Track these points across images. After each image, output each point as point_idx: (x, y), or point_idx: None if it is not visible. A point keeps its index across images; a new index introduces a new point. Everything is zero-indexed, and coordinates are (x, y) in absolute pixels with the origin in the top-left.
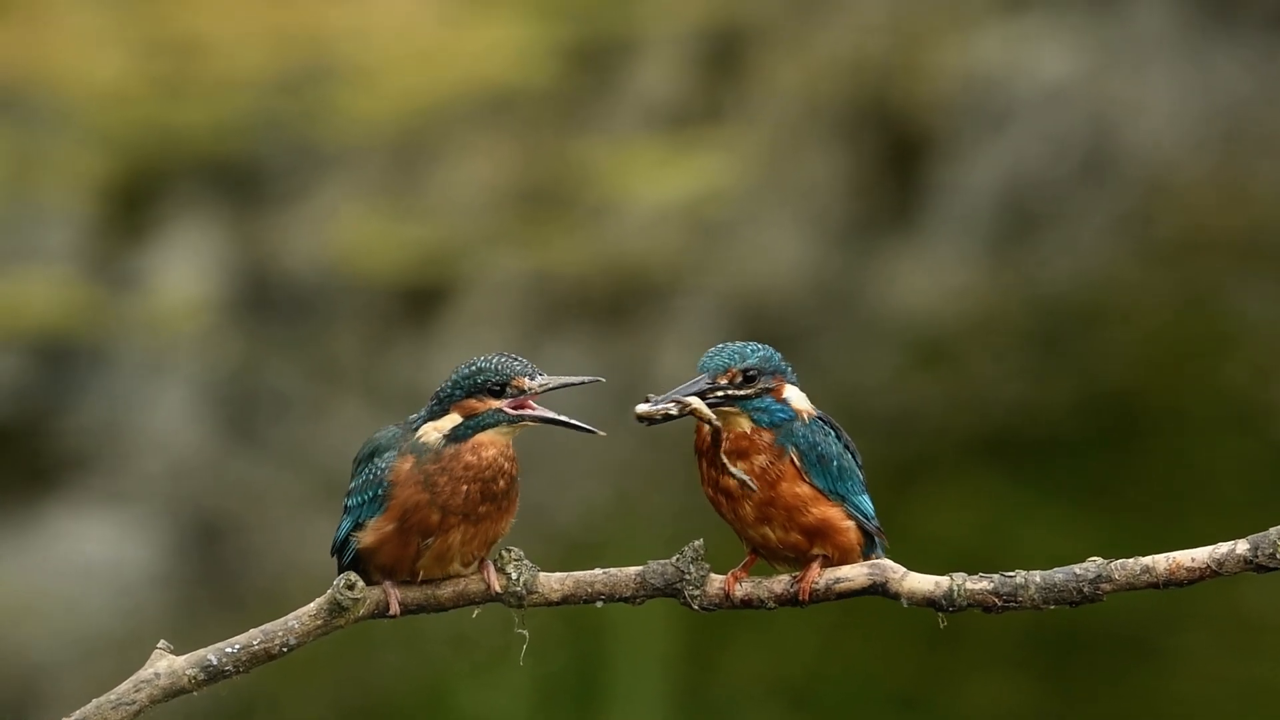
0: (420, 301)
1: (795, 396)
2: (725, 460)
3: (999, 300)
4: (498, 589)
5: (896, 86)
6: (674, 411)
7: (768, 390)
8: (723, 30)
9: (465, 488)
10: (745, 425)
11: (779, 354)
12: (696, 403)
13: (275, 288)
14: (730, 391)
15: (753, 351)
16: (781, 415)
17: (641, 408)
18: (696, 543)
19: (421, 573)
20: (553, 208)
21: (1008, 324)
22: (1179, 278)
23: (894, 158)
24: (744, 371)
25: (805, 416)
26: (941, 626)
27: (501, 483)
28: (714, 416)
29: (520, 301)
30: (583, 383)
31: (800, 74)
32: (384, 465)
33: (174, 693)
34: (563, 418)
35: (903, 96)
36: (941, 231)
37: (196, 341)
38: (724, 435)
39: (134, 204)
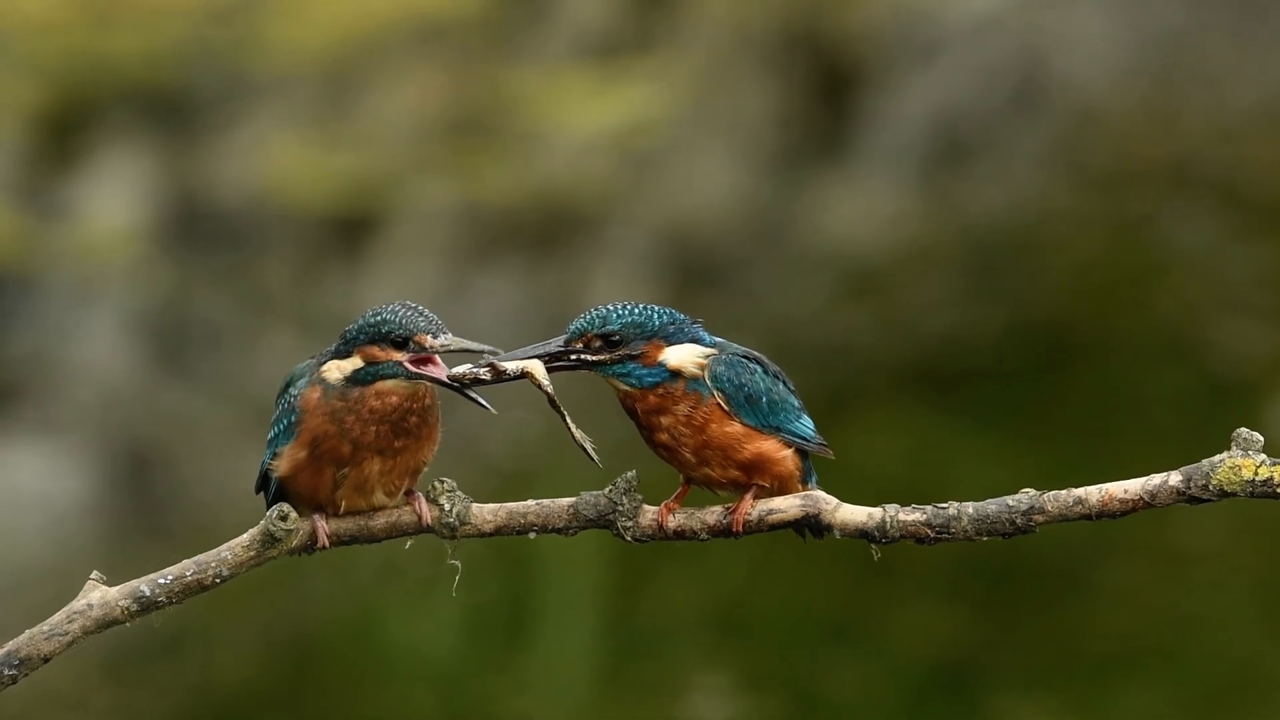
0: (351, 231)
1: (678, 356)
2: (569, 426)
3: (930, 230)
4: (429, 521)
5: (827, 16)
6: (485, 376)
7: (633, 356)
8: None
9: (374, 428)
10: (622, 387)
11: (670, 313)
12: (533, 365)
13: (206, 217)
14: (584, 356)
15: (617, 315)
16: (651, 379)
17: (456, 370)
18: (629, 474)
19: (344, 504)
20: (483, 137)
21: (939, 254)
22: (1110, 207)
23: (825, 88)
24: (604, 336)
25: (694, 370)
26: (875, 559)
27: (412, 419)
28: (547, 383)
29: (450, 231)
30: (483, 350)
31: (731, 3)
32: (296, 392)
33: (107, 624)
34: (458, 386)
35: (834, 26)
36: (873, 161)
37: (127, 271)
38: (626, 396)
39: (64, 133)
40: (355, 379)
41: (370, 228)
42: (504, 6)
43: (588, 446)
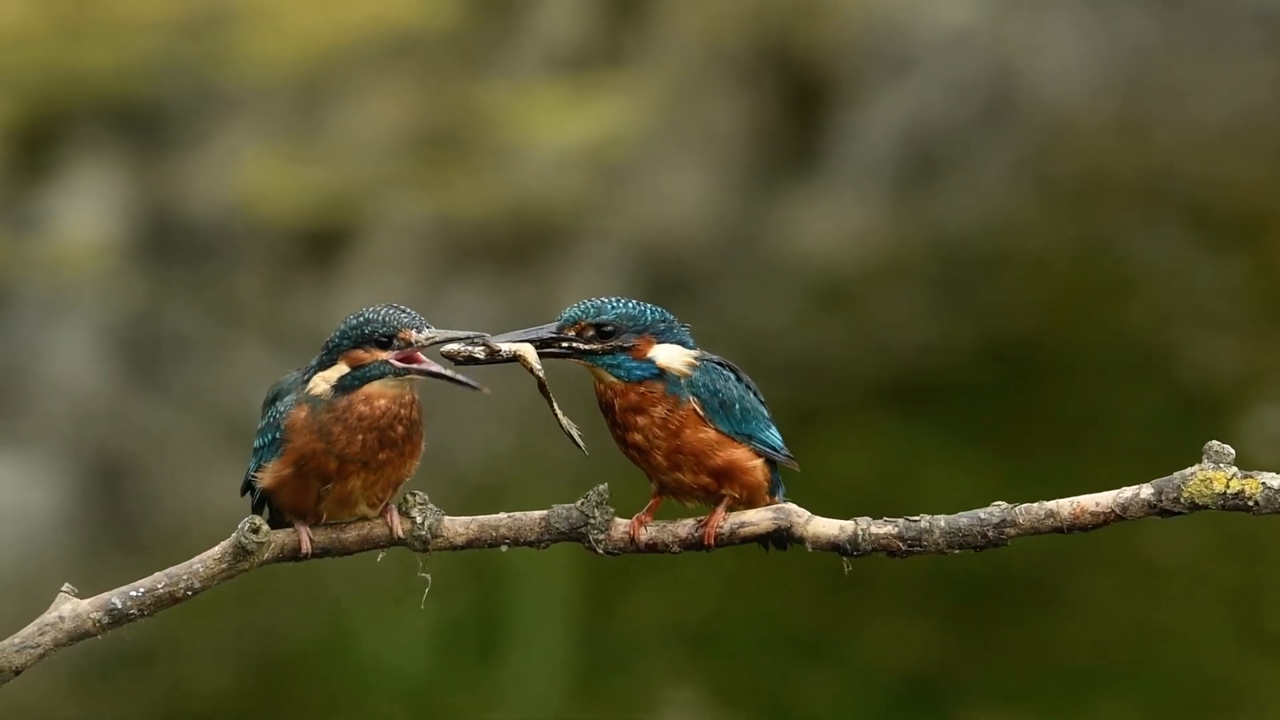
0: (322, 245)
1: (667, 355)
2: (556, 412)
3: (901, 244)
4: (400, 533)
5: (798, 30)
6: (479, 355)
7: (624, 349)
8: None
9: (361, 437)
10: (608, 379)
11: (661, 312)
12: (525, 349)
13: (177, 230)
14: (576, 344)
15: (611, 307)
16: (639, 373)
17: (450, 346)
18: (601, 487)
19: (325, 515)
20: (455, 151)
21: (909, 268)
22: (1080, 222)
23: (796, 102)
24: (597, 326)
25: (682, 369)
26: (847, 571)
27: (399, 429)
28: (539, 367)
29: (422, 245)
30: (470, 337)
31: (702, 18)
32: (282, 409)
33: (78, 636)
34: (448, 373)
35: (805, 40)
36: (843, 176)
37: (98, 284)
38: (607, 390)
39: (36, 146)
40: (342, 386)
41: (342, 241)
42: (476, 20)
43: (574, 433)
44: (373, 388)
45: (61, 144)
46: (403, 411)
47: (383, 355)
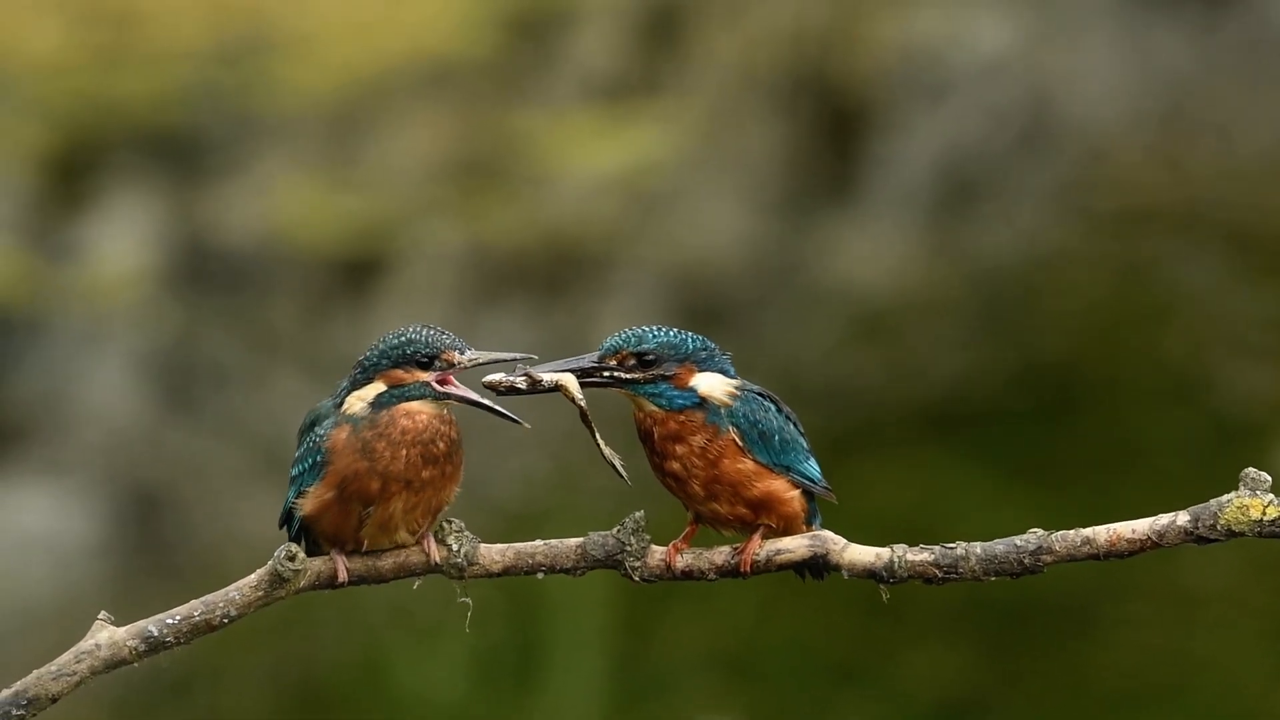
0: (358, 273)
1: (708, 384)
2: (598, 442)
3: (938, 272)
4: (438, 560)
5: (835, 58)
6: (521, 385)
7: (666, 377)
8: (661, 1)
9: (405, 452)
10: (649, 407)
11: (703, 340)
12: (566, 379)
13: (213, 258)
14: (618, 374)
15: (653, 336)
16: (681, 402)
17: (491, 377)
18: (637, 514)
19: (366, 542)
20: (490, 179)
21: (946, 296)
22: (1117, 250)
23: (832, 130)
24: (639, 355)
25: (723, 398)
26: (885, 599)
27: (441, 445)
28: (580, 397)
29: (458, 273)
30: (514, 359)
31: (738, 45)
32: (322, 432)
33: (115, 664)
34: (487, 402)
35: (841, 68)
36: (880, 204)
37: (135, 312)
38: (647, 419)
39: (72, 175)
40: (379, 404)
41: (377, 269)
42: (512, 49)
43: (616, 463)
44: (413, 405)
45: (98, 172)
46: (444, 428)
47: (424, 376)
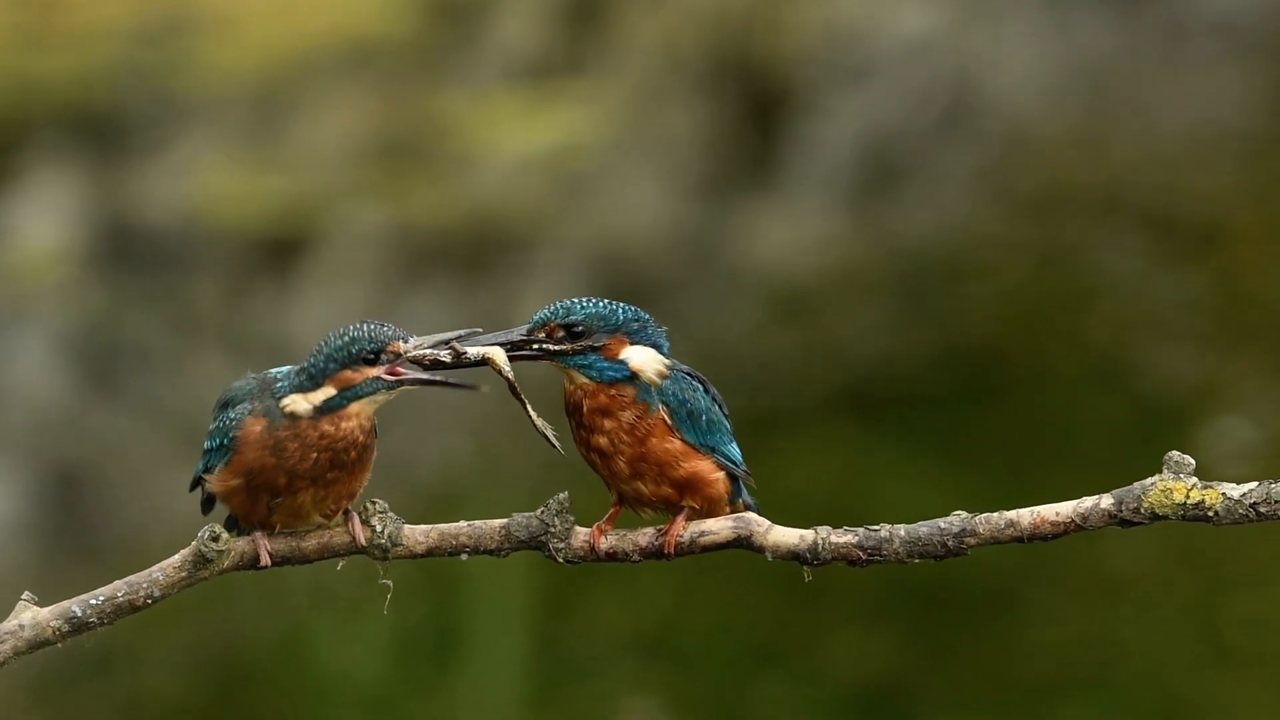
0: (281, 253)
1: (640, 358)
2: (530, 413)
3: (859, 254)
4: (363, 542)
5: (757, 40)
6: (445, 358)
7: (595, 349)
8: None
9: (315, 456)
10: (580, 379)
11: (635, 311)
12: (494, 352)
13: (136, 238)
14: (546, 346)
15: (581, 307)
16: (611, 374)
17: (415, 353)
18: (561, 495)
19: (278, 525)
20: (414, 160)
21: (868, 277)
22: (1039, 232)
23: (755, 111)
24: (567, 326)
25: (653, 376)
26: (807, 580)
27: (352, 453)
28: (509, 369)
29: (381, 253)
30: (458, 336)
31: (661, 27)
32: (234, 418)
33: (38, 644)
34: (439, 378)
35: (764, 50)
36: (802, 185)
37: (57, 292)
38: (577, 391)
39: None
40: (326, 408)
41: (301, 249)
42: (434, 29)
43: (549, 433)
44: (351, 408)
45: (20, 152)
46: (360, 436)
47: (373, 372)
